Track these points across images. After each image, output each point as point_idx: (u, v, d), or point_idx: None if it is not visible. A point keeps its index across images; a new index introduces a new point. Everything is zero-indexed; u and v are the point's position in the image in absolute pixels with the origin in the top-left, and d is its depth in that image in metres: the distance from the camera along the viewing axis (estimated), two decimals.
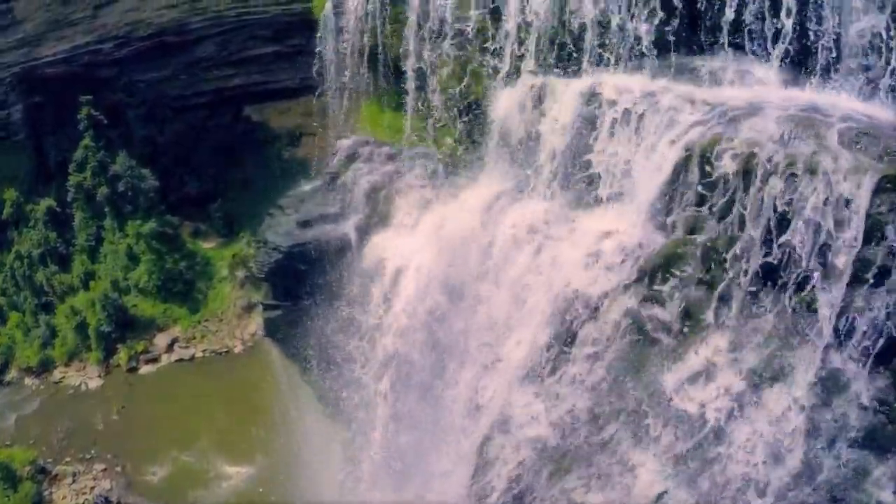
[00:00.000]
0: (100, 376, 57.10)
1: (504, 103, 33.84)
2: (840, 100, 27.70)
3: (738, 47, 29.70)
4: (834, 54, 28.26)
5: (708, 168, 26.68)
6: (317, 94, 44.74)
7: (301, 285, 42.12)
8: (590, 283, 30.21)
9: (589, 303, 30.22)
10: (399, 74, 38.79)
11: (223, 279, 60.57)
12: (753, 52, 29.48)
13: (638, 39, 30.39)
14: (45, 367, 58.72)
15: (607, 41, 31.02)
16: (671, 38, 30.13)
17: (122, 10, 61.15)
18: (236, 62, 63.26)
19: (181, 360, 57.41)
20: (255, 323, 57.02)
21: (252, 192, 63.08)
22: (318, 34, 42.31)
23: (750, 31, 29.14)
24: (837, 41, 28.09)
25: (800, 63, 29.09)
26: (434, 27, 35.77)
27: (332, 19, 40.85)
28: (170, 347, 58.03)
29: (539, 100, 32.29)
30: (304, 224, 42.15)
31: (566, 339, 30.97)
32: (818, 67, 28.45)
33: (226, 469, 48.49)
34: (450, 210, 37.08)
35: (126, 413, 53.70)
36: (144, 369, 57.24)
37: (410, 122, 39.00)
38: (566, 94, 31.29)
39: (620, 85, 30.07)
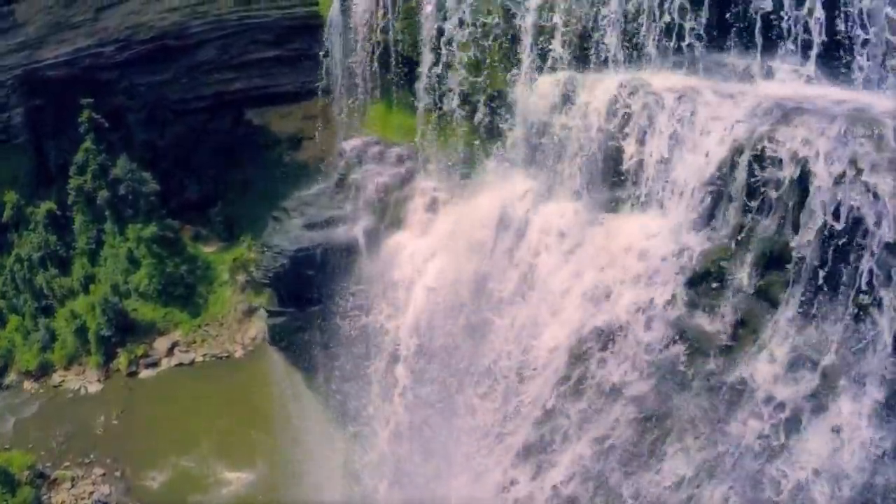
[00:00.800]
0: (99, 380, 57.04)
1: (527, 100, 32.21)
2: (882, 98, 26.21)
3: (769, 43, 28.14)
4: (871, 51, 27.04)
5: (758, 167, 25.17)
6: (321, 93, 43.33)
7: (307, 291, 40.52)
8: (630, 290, 28.55)
9: (629, 311, 28.52)
10: (411, 72, 37.16)
11: (224, 283, 60.57)
12: (786, 49, 27.88)
13: (667, 35, 29.05)
14: (44, 370, 58.64)
15: (636, 36, 29.61)
16: (701, 33, 28.70)
17: (124, 14, 61.11)
18: (237, 66, 63.22)
19: (181, 364, 57.36)
20: (256, 327, 56.93)
21: (253, 196, 62.98)
22: (325, 33, 41.04)
23: (781, 27, 27.66)
24: (873, 37, 26.88)
25: (834, 60, 27.69)
26: (452, 22, 34.06)
27: (340, 17, 39.50)
28: (170, 352, 57.97)
29: (567, 96, 30.57)
30: (311, 227, 40.13)
31: (602, 348, 29.40)
32: (855, 65, 27.18)
33: (226, 474, 48.38)
34: (467, 212, 35.37)
35: (125, 417, 53.62)
36: (144, 373, 57.17)
37: (424, 120, 37.12)
38: (597, 89, 29.65)
39: (656, 80, 28.67)
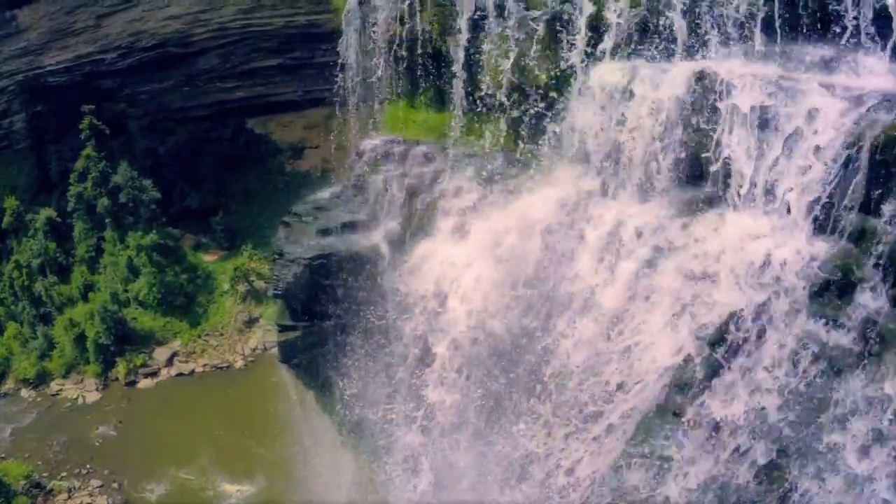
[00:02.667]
0: (98, 390, 56.63)
1: (582, 92, 29.38)
2: None
3: (844, 33, 25.85)
4: None
5: (881, 161, 22.88)
6: (333, 92, 40.26)
7: (323, 303, 37.45)
8: (738, 301, 25.39)
9: (742, 325, 25.45)
10: (439, 66, 34.49)
11: (224, 293, 60.30)
12: (862, 40, 25.55)
13: (737, 22, 26.86)
14: (42, 379, 58.22)
15: (703, 24, 27.30)
16: (774, 21, 26.43)
17: (126, 21, 61.00)
18: (239, 74, 63.00)
19: (181, 374, 57.04)
20: (257, 338, 56.80)
21: (254, 205, 63.00)
22: (341, 27, 38.30)
23: (857, 17, 25.39)
24: None
25: None
26: (491, 8, 31.35)
27: (357, 8, 36.68)
28: (169, 362, 57.63)
29: (630, 87, 27.87)
30: (326, 233, 37.09)
31: (709, 371, 26.11)
32: None
33: (225, 487, 47.96)
34: (511, 215, 32.07)
35: (124, 428, 53.18)
36: (143, 383, 56.82)
37: (459, 116, 34.12)
38: (666, 79, 27.00)
39: (737, 70, 26.13)
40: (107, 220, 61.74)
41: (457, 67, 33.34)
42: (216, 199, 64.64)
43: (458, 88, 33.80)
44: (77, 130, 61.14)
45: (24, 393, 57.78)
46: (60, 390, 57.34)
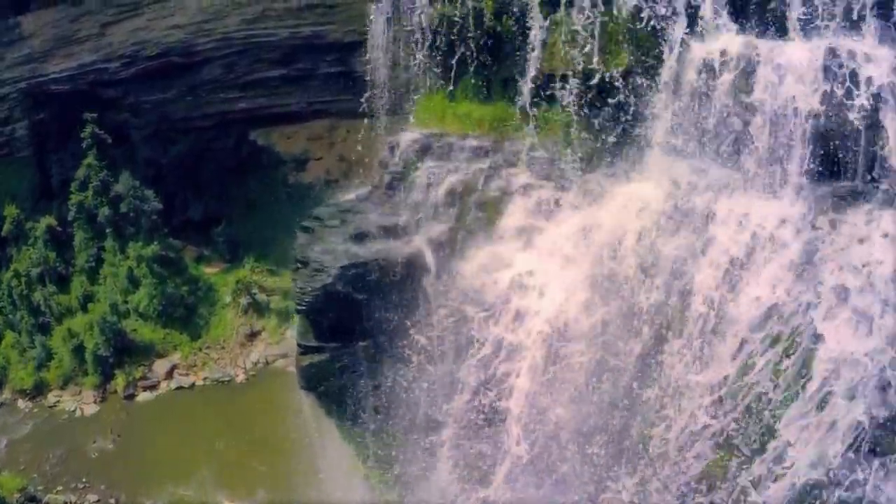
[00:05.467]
0: (96, 402, 55.88)
1: (681, 73, 25.93)
2: None
3: None
4: None
5: None
6: (357, 82, 36.57)
7: (355, 321, 32.44)
8: None
9: None
10: (496, 50, 30.27)
11: (226, 305, 59.69)
12: None
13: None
14: (39, 389, 57.42)
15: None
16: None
17: (130, 30, 61.00)
18: (242, 85, 63.04)
19: (181, 387, 56.23)
20: (258, 351, 56.29)
21: (257, 216, 62.74)
22: (370, 17, 34.43)
23: None
24: None
25: None
26: None
27: None
28: (169, 374, 56.91)
29: (748, 66, 24.76)
30: (358, 239, 32.09)
31: None
32: None
33: None
34: (595, 216, 27.71)
35: (122, 442, 52.34)
36: (142, 396, 56.06)
37: (525, 105, 29.62)
38: (792, 57, 23.86)
39: (871, 50, 23.36)
40: (107, 230, 61.17)
41: (526, 51, 29.27)
42: (218, 210, 64.23)
43: (528, 74, 29.26)
44: (79, 139, 60.77)
45: (21, 403, 57.00)
46: (58, 401, 56.60)
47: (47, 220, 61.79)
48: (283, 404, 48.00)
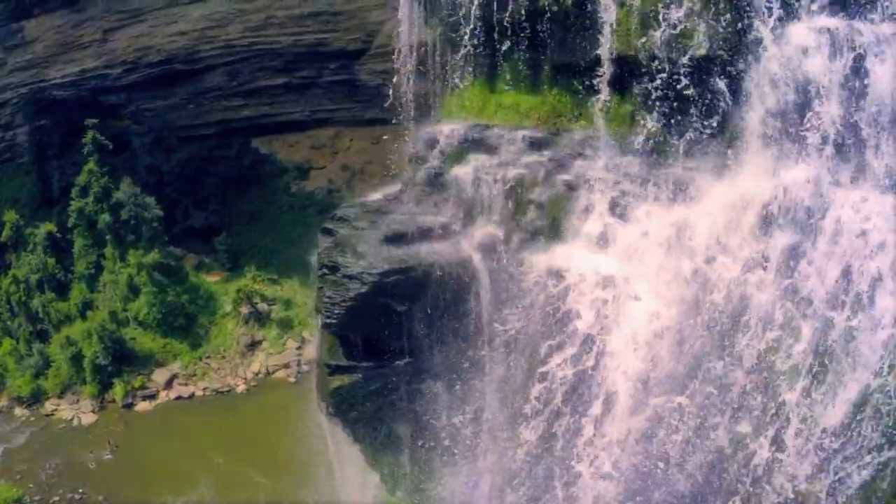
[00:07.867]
0: (93, 411, 55.29)
1: (776, 59, 23.40)
2: None
3: None
4: None
5: None
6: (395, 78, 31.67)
7: (393, 337, 28.75)
8: None
9: None
10: (548, 35, 26.80)
11: (226, 315, 59.35)
12: None
13: None
14: (36, 398, 56.87)
15: None
16: None
17: (133, 36, 60.81)
18: (245, 93, 62.99)
19: (180, 397, 55.76)
20: (259, 362, 55.87)
21: (258, 225, 62.56)
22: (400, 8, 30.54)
23: None
24: None
25: None
26: None
27: None
28: (168, 384, 56.41)
29: (854, 52, 22.57)
30: (395, 241, 28.11)
31: None
32: None
33: None
34: (686, 215, 24.88)
35: (120, 452, 51.62)
36: (141, 406, 55.52)
37: (604, 94, 26.29)
38: None
39: None
40: (107, 237, 60.72)
41: (588, 34, 25.90)
42: (220, 218, 63.99)
43: (604, 58, 25.85)
44: (80, 145, 60.42)
45: (18, 411, 56.41)
46: (55, 410, 56.01)
47: (47, 227, 61.47)
48: (285, 416, 47.82)
